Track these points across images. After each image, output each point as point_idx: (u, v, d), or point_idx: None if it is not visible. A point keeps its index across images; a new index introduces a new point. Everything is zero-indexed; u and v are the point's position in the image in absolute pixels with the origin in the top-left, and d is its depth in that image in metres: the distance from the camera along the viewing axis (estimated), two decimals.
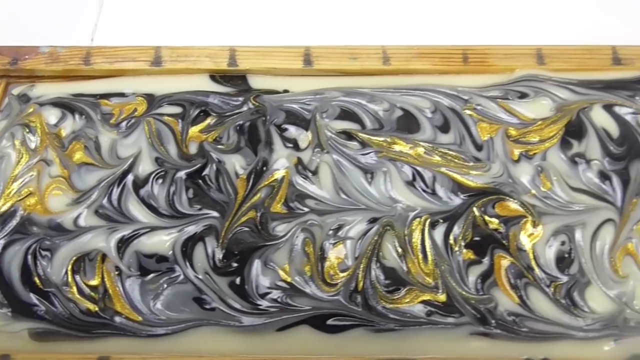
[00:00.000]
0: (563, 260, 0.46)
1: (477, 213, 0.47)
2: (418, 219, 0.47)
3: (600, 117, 0.51)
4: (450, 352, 0.44)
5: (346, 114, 0.52)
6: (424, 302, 0.45)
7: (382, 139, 0.50)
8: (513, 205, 0.47)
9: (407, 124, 0.51)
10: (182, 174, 0.49)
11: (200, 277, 0.45)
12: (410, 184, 0.48)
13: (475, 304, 0.45)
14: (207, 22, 0.65)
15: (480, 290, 0.45)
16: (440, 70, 0.54)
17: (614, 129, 0.51)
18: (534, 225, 0.47)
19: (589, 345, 0.44)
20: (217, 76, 0.55)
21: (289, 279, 0.45)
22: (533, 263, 0.46)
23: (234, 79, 0.54)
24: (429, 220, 0.47)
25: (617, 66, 0.54)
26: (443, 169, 0.49)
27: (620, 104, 0.51)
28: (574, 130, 0.51)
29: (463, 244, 0.46)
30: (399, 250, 0.46)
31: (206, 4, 0.66)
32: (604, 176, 0.49)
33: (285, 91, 0.54)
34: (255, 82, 0.54)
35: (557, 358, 0.44)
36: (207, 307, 0.45)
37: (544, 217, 0.47)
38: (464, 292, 0.45)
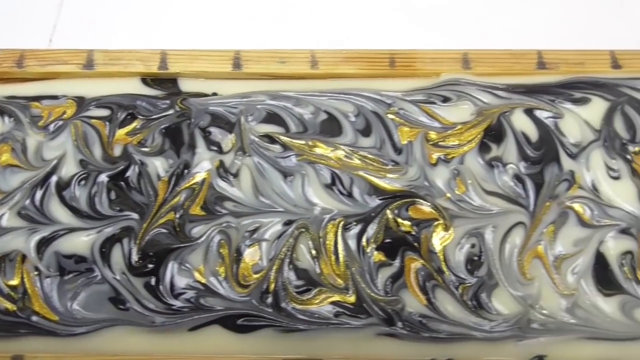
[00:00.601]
0: (472, 263, 0.47)
1: (390, 216, 0.48)
2: (333, 222, 0.48)
3: (520, 121, 0.52)
4: (357, 352, 0.45)
5: (271, 117, 0.53)
6: (333, 303, 0.46)
7: (303, 142, 0.51)
8: (426, 209, 0.48)
9: (330, 127, 0.52)
10: (104, 176, 0.50)
11: (117, 277, 0.47)
12: (329, 187, 0.49)
13: (384, 305, 0.45)
14: (144, 24, 0.66)
15: (389, 291, 0.46)
16: (367, 74, 0.55)
17: (533, 133, 0.51)
18: (446, 228, 0.47)
19: (493, 346, 0.45)
20: (148, 79, 0.55)
21: (203, 280, 0.46)
22: (443, 265, 0.46)
23: (164, 82, 0.55)
24: (342, 223, 0.48)
25: (542, 70, 0.55)
26: (361, 172, 0.50)
27: (541, 108, 0.52)
28: (494, 134, 0.51)
29: (375, 246, 0.47)
30: (313, 252, 0.47)
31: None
32: (518, 179, 0.49)
33: (214, 94, 0.54)
34: (186, 85, 0.55)
35: (462, 359, 0.45)
36: (122, 307, 0.46)
37: (456, 220, 0.48)
38: (372, 294, 0.46)
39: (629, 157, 0.50)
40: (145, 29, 0.66)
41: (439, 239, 0.47)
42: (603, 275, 0.46)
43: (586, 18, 0.66)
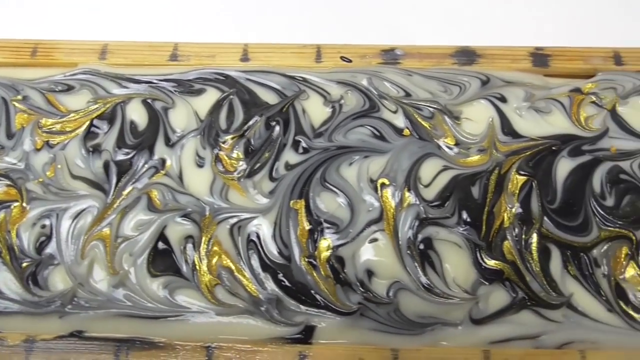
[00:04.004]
0: (41, 243, 0.49)
1: None
2: None
3: (134, 111, 0.54)
4: None
5: None
6: None
7: None
8: (11, 190, 0.51)
9: None
10: None
11: None
12: None
13: None
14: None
15: None
16: (11, 63, 0.58)
17: (142, 122, 0.54)
18: (22, 210, 0.50)
19: (37, 320, 0.48)
20: None
21: None
22: (14, 244, 0.49)
23: None
24: None
25: (174, 62, 0.57)
26: None
27: (157, 98, 0.54)
28: (104, 122, 0.54)
29: None
30: None
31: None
32: (109, 165, 0.52)
33: None
34: None
35: (9, 331, 0.48)
36: None
37: (34, 202, 0.50)
38: None
39: (218, 146, 0.52)
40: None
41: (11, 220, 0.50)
42: (160, 257, 0.49)
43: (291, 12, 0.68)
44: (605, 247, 0.48)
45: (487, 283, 0.47)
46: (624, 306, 0.47)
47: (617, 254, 0.48)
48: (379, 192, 0.49)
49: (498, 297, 0.47)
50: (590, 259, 0.48)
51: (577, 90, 0.55)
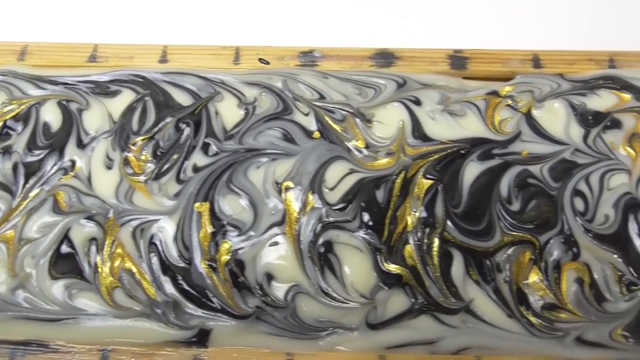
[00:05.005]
0: None
1: None
2: None
3: (48, 112, 0.54)
4: None
5: None
6: None
7: None
8: None
9: None
10: None
11: None
12: None
13: None
14: None
15: None
16: None
17: (55, 123, 0.53)
18: None
19: None
20: None
21: None
22: None
23: None
24: None
25: (92, 63, 0.57)
26: None
27: (72, 100, 0.54)
28: (17, 123, 0.53)
29: None
30: None
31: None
32: (18, 167, 0.52)
33: None
34: None
35: None
36: None
37: None
38: None
39: (127, 148, 0.52)
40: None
41: None
42: (62, 259, 0.48)
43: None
44: (508, 252, 0.48)
45: (386, 287, 0.47)
46: (524, 312, 0.47)
47: (520, 259, 0.47)
48: (283, 195, 0.49)
49: (397, 302, 0.47)
50: (492, 264, 0.47)
51: (494, 94, 0.54)
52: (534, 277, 0.47)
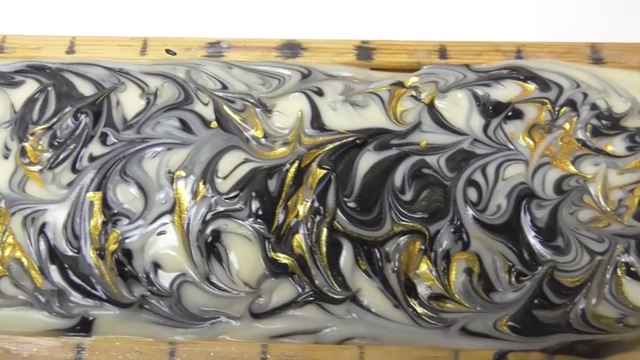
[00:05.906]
0: None
1: None
2: None
3: None
4: None
5: None
6: None
7: None
8: None
9: None
10: None
11: None
12: None
13: None
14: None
15: None
16: None
17: None
18: None
19: None
20: None
21: None
22: None
23: None
24: None
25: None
26: None
27: None
28: None
29: None
30: None
31: None
32: None
33: None
34: None
35: None
36: None
37: None
38: None
39: (25, 138, 0.52)
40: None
41: None
42: None
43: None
44: (398, 242, 0.47)
45: (273, 277, 0.46)
46: (411, 302, 0.46)
47: (410, 249, 0.47)
48: (175, 184, 0.49)
49: (283, 291, 0.47)
50: (382, 254, 0.47)
51: (399, 84, 0.54)
52: (424, 267, 0.47)
